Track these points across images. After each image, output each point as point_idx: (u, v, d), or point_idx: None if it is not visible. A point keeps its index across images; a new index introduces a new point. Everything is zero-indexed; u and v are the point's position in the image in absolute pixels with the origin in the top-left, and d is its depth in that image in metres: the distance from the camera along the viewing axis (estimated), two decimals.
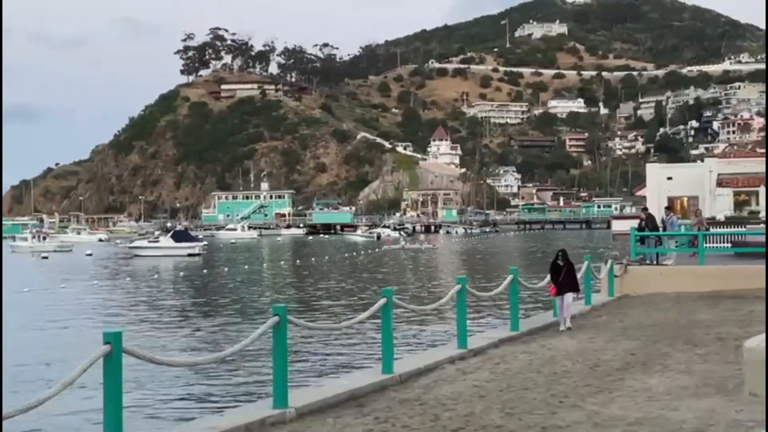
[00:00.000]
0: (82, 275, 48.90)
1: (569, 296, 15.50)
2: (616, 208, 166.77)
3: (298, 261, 63.52)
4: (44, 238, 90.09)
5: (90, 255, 72.68)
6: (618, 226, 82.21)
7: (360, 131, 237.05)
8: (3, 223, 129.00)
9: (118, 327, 21.11)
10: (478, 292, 15.60)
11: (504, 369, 11.56)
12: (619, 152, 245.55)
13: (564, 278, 15.49)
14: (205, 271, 53.55)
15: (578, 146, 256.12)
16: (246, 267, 57.18)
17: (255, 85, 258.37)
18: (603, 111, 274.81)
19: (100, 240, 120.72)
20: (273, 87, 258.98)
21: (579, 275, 19.57)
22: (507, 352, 13.00)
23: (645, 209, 26.49)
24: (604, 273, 21.89)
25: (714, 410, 8.58)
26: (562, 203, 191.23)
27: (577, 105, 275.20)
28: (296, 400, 9.06)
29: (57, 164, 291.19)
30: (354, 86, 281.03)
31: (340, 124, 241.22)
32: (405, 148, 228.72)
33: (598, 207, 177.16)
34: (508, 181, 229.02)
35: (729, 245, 26.52)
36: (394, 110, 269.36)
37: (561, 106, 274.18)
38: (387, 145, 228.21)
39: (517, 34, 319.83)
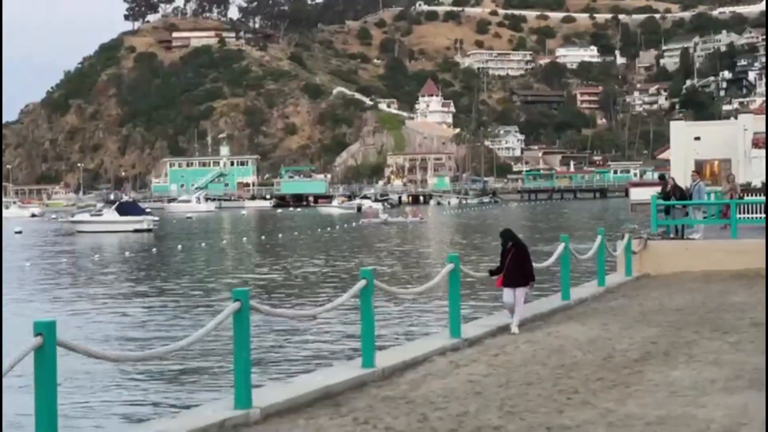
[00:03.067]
0: (11, 256, 48.68)
1: (520, 291, 13.88)
2: (634, 174, 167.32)
3: (263, 237, 63.48)
4: None
5: (19, 233, 72.34)
6: (637, 194, 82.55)
7: (336, 86, 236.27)
8: None
9: (51, 316, 21.06)
10: (473, 273, 15.64)
11: (503, 361, 11.60)
12: (638, 109, 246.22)
13: (511, 266, 13.77)
14: (154, 249, 53.44)
15: (591, 102, 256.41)
16: (203, 244, 57.23)
17: (212, 33, 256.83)
18: (620, 60, 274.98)
19: (33, 215, 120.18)
20: (233, 35, 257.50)
21: (591, 251, 19.69)
22: (507, 342, 13.05)
23: (662, 177, 26.55)
24: (621, 249, 21.98)
25: (747, 407, 8.64)
26: (572, 169, 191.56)
27: (590, 54, 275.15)
28: (261, 399, 9.06)
29: None
30: (329, 33, 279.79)
31: (313, 78, 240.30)
32: (389, 106, 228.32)
33: (615, 173, 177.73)
34: (509, 143, 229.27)
35: (766, 216, 26.63)
36: (375, 61, 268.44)
37: (571, 56, 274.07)
38: (367, 101, 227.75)
39: None
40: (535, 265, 17.85)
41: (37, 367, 6.76)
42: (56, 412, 6.82)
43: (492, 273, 14.15)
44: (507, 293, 13.89)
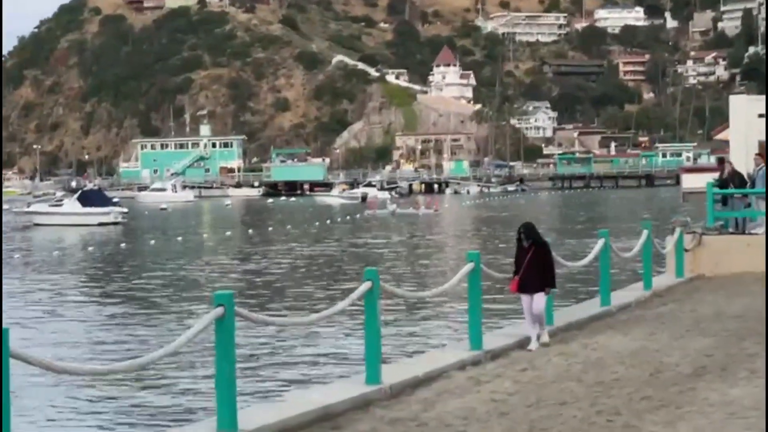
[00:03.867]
0: None
1: (540, 299, 13.53)
2: (687, 158, 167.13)
3: (250, 231, 63.56)
4: None
5: None
6: (690, 181, 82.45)
7: (336, 54, 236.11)
8: None
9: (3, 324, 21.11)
10: (496, 274, 15.64)
11: (532, 377, 11.62)
12: (692, 81, 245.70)
13: (529, 268, 13.48)
14: (123, 245, 53.62)
15: (636, 73, 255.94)
16: (179, 239, 57.38)
17: None
18: (670, 24, 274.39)
19: None
20: None
21: (636, 248, 19.67)
22: (536, 354, 13.08)
23: (721, 160, 26.48)
24: (671, 246, 21.95)
25: None
26: (613, 151, 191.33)
27: (635, 16, 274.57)
28: (249, 420, 9.08)
29: None
30: None
31: (308, 45, 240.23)
32: (398, 77, 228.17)
33: (663, 156, 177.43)
34: (539, 121, 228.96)
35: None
36: (382, 25, 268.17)
37: (612, 18, 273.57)
38: (373, 72, 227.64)
39: None
40: (570, 264, 17.90)
41: None
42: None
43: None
44: (524, 299, 13.61)
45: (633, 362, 12.28)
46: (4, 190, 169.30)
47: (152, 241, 55.75)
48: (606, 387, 10.88)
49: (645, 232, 19.94)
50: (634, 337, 14.27)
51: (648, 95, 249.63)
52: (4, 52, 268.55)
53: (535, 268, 13.45)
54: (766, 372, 11.05)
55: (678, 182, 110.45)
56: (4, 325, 7.08)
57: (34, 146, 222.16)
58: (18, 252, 50.05)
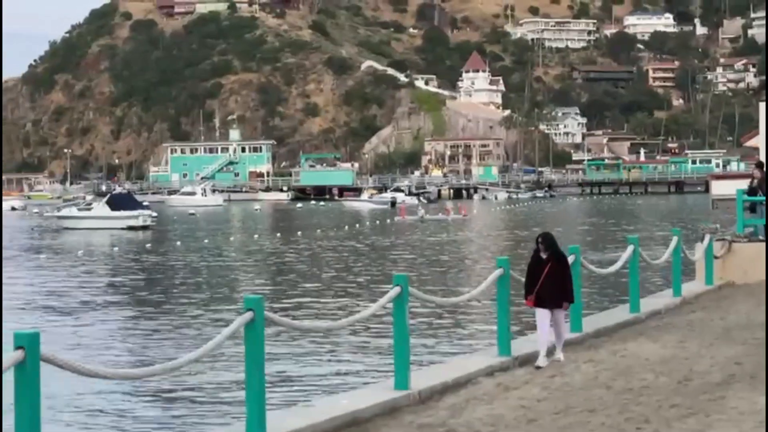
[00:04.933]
0: None
1: (560, 314, 13.08)
2: (717, 165, 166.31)
3: (279, 235, 63.72)
4: None
5: None
6: (720, 188, 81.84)
7: (365, 59, 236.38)
8: None
9: (32, 327, 21.21)
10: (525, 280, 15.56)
11: (561, 384, 11.59)
12: (722, 87, 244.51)
13: (547, 282, 12.89)
14: (148, 245, 53.93)
15: (666, 79, 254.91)
16: (206, 241, 57.60)
17: None
18: (700, 30, 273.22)
19: (13, 208, 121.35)
20: None
21: (665, 255, 19.58)
22: (565, 361, 13.04)
23: (760, 165, 26.25)
24: (700, 253, 21.85)
25: None
26: (642, 158, 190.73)
27: (665, 22, 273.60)
28: (278, 425, 9.09)
29: None
30: None
31: (338, 50, 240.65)
32: (427, 83, 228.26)
33: (693, 163, 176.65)
34: (568, 127, 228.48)
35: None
36: (411, 30, 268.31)
37: (642, 24, 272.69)
38: (402, 78, 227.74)
39: None
40: (600, 271, 17.83)
41: (17, 384, 6.83)
42: None
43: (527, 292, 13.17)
44: (541, 315, 12.95)
45: (662, 370, 12.23)
46: (34, 193, 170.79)
47: (178, 242, 55.96)
48: (635, 394, 10.85)
49: (674, 239, 19.86)
50: (664, 344, 14.21)
51: (677, 102, 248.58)
52: (36, 56, 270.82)
53: (553, 281, 12.89)
54: (766, 377, 11.00)
55: (707, 189, 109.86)
56: (35, 329, 7.10)
57: (65, 150, 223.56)
58: (43, 255, 50.31)
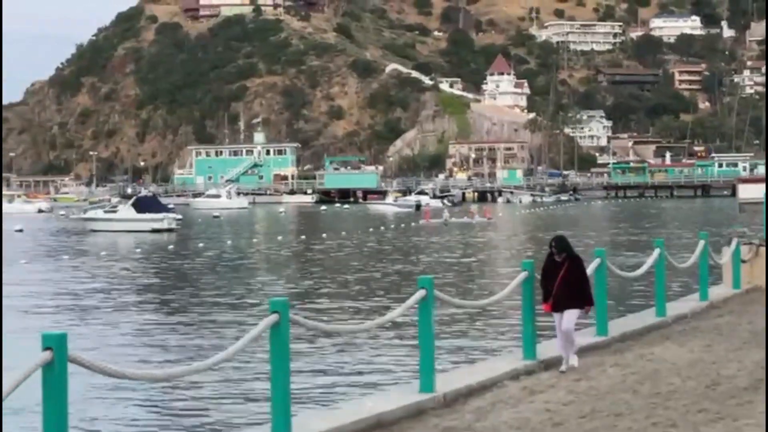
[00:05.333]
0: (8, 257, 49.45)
1: (571, 315, 12.72)
2: (744, 168, 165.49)
3: (303, 237, 63.82)
4: None
5: (20, 231, 73.40)
6: (747, 192, 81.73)
7: (390, 62, 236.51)
8: None
9: (58, 328, 21.30)
10: None
11: (587, 387, 11.55)
12: (749, 90, 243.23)
13: (563, 284, 12.68)
14: (171, 247, 54.18)
15: (692, 82, 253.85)
16: (229, 242, 57.74)
17: (246, 0, 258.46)
18: (727, 33, 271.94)
19: (41, 210, 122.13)
20: (270, 2, 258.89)
21: (692, 259, 19.50)
22: (591, 365, 12.99)
23: None
24: (727, 257, 21.74)
25: None
26: (668, 161, 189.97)
27: (691, 25, 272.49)
28: (303, 428, 9.11)
29: None
30: (381, 0, 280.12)
31: (363, 53, 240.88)
32: (451, 86, 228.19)
33: (720, 166, 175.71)
34: (593, 130, 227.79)
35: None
36: (436, 33, 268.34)
37: (668, 27, 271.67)
38: (427, 81, 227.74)
39: None
40: (626, 274, 17.76)
41: (45, 385, 6.87)
42: None
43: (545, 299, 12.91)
44: (557, 319, 12.82)
45: (689, 374, 12.18)
46: (60, 196, 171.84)
47: (201, 244, 56.17)
48: (662, 399, 10.80)
49: (701, 243, 19.77)
50: (691, 348, 14.15)
51: (704, 105, 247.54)
52: (63, 59, 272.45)
53: (569, 284, 12.63)
54: (766, 381, 10.98)
55: (734, 193, 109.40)
56: (62, 330, 7.14)
57: (91, 153, 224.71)
58: (69, 257, 50.58)
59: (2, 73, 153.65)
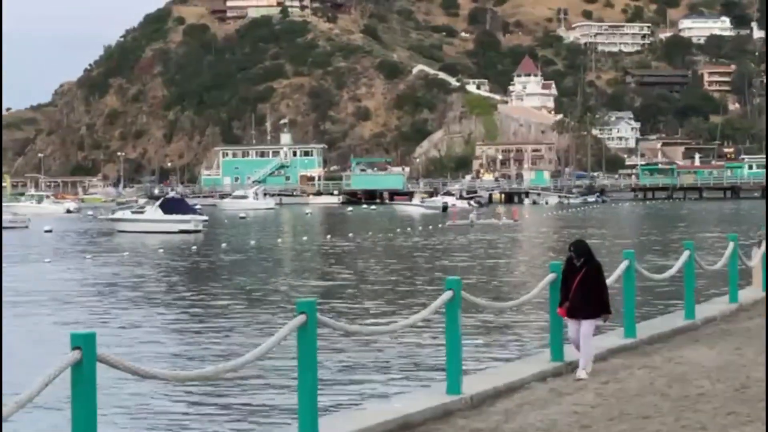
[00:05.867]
0: (37, 255, 49.75)
1: (587, 325, 12.37)
2: None
3: (328, 237, 63.92)
4: None
5: (50, 231, 73.83)
6: None
7: (416, 63, 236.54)
8: None
9: (85, 327, 21.36)
10: None
11: (615, 390, 11.51)
12: None
13: (579, 290, 12.33)
14: (194, 248, 54.42)
15: (721, 84, 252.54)
16: (252, 243, 57.99)
17: (273, 1, 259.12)
18: (757, 34, 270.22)
19: (69, 211, 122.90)
20: (297, 3, 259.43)
21: (721, 261, 19.39)
22: (619, 367, 12.95)
23: None
24: (757, 259, 21.61)
25: None
26: (697, 162, 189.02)
27: (721, 26, 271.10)
28: (330, 429, 9.12)
29: (8, 109, 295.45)
30: (408, 2, 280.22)
31: (390, 54, 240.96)
32: (478, 87, 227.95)
33: (750, 168, 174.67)
34: (621, 132, 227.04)
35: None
36: (463, 35, 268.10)
37: (697, 28, 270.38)
38: (453, 82, 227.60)
39: None
40: (655, 276, 17.68)
41: (74, 384, 6.91)
42: None
43: (561, 302, 12.73)
44: (571, 327, 12.60)
45: (719, 377, 12.12)
46: (88, 196, 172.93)
47: (223, 244, 56.29)
48: (691, 401, 10.75)
49: (731, 245, 19.66)
50: (720, 351, 14.08)
51: (733, 106, 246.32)
52: (91, 61, 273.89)
53: (586, 290, 12.30)
54: (766, 382, 10.94)
55: (765, 194, 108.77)
56: (91, 329, 7.19)
57: (119, 153, 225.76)
58: (95, 253, 50.84)
59: (2, 74, 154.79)
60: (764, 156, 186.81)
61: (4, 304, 29.45)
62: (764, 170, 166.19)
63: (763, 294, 20.99)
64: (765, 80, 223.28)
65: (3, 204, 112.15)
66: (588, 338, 12.42)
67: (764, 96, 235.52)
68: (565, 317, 12.62)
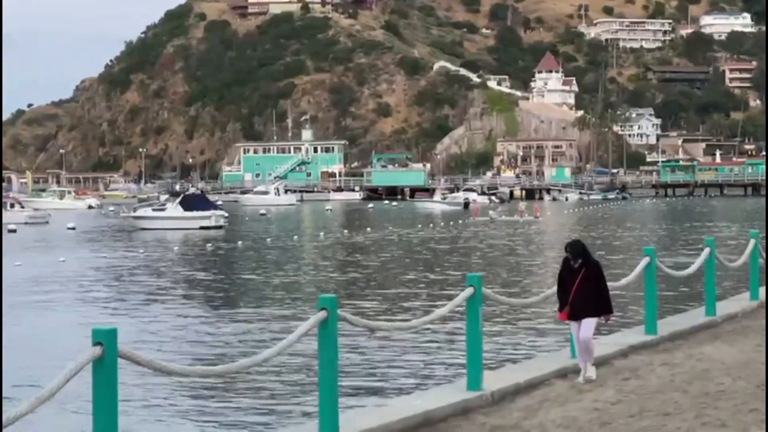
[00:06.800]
0: (56, 251, 49.92)
1: (588, 324, 12.05)
2: None
3: (346, 232, 63.93)
4: (13, 206, 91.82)
5: (73, 229, 73.94)
6: None
7: (437, 60, 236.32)
8: None
9: (106, 323, 21.45)
10: None
11: (636, 386, 11.49)
12: None
13: (579, 291, 12.01)
14: (209, 245, 54.59)
15: (743, 80, 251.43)
16: (268, 240, 58.26)
17: None
18: None
19: (90, 207, 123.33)
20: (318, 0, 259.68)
21: (742, 258, 19.30)
22: (640, 364, 12.92)
23: None
24: None
25: None
26: (718, 159, 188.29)
27: (742, 22, 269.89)
28: (350, 425, 9.12)
29: (30, 105, 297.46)
30: None
31: (410, 51, 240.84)
32: (499, 84, 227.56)
33: None
34: (642, 128, 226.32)
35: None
36: (484, 31, 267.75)
37: (719, 24, 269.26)
38: (474, 78, 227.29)
39: None
40: (676, 273, 17.61)
41: (95, 380, 6.94)
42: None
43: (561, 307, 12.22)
44: (574, 328, 12.25)
45: (740, 374, 12.07)
46: (109, 193, 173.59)
47: (239, 243, 56.42)
48: (711, 398, 10.71)
49: (752, 242, 19.57)
50: (741, 348, 14.01)
51: (755, 103, 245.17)
52: (112, 57, 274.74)
53: (585, 291, 11.92)
54: (766, 383, 10.93)
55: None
56: (112, 325, 7.21)
57: (140, 149, 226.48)
58: (106, 250, 51.03)
59: (2, 74, 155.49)
60: None
61: (33, 300, 29.59)
62: None
63: None
64: (765, 80, 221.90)
65: (26, 199, 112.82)
66: (590, 339, 12.09)
67: None
68: (567, 320, 12.26)
